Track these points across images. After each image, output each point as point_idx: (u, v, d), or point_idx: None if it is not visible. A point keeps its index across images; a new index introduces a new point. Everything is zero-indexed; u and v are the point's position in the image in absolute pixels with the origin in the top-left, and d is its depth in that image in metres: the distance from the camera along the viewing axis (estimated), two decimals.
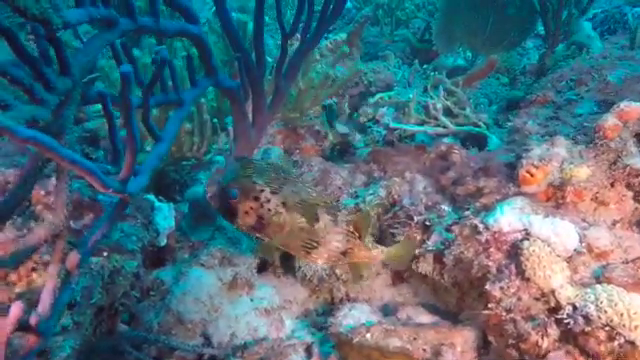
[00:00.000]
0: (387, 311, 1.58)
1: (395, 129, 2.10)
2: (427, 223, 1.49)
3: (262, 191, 1.18)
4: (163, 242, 1.46)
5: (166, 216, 1.45)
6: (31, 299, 0.78)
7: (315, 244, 1.23)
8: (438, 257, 1.48)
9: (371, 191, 1.62)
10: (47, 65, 0.80)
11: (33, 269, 0.89)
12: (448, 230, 1.46)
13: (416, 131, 2.08)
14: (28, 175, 0.80)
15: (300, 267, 1.61)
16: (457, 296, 1.50)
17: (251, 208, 1.17)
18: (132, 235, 1.25)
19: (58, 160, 0.68)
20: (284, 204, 1.17)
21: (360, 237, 1.25)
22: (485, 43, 2.65)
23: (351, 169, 1.74)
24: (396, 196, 1.60)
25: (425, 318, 1.51)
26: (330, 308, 1.62)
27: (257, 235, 1.21)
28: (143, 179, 0.91)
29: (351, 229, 1.24)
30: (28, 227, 0.96)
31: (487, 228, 1.31)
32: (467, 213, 1.41)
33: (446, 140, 1.94)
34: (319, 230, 1.22)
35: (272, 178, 1.19)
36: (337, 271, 1.61)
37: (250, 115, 1.48)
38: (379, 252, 1.30)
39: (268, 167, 1.20)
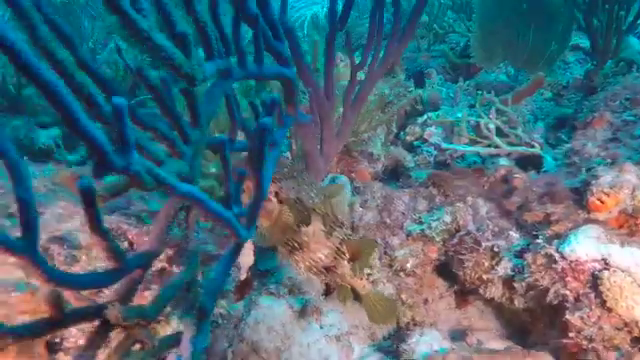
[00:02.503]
0: (455, 335, 1.60)
1: (447, 149, 2.12)
2: (495, 249, 1.51)
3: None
4: (243, 277, 1.50)
5: (246, 252, 1.48)
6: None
7: (297, 246, 1.26)
8: (508, 283, 1.50)
9: (435, 217, 1.64)
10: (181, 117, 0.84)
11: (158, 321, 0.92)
12: (518, 256, 1.48)
13: (468, 152, 2.10)
14: (164, 228, 0.84)
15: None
16: (527, 321, 1.52)
17: (248, 187, 1.23)
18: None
19: (204, 212, 0.72)
20: (277, 194, 1.23)
21: (351, 260, 1.27)
22: (526, 58, 2.66)
23: (412, 194, 1.76)
24: (461, 221, 1.62)
25: (495, 344, 1.52)
26: (396, 333, 1.65)
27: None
28: (253, 226, 0.95)
29: (343, 249, 1.26)
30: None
31: (563, 257, 1.32)
32: (539, 241, 1.43)
33: (503, 161, 1.95)
34: (305, 234, 1.25)
35: (280, 172, 1.26)
36: (403, 296, 1.64)
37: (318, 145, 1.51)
38: (363, 286, 1.31)
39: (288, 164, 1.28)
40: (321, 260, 1.27)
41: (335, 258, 1.27)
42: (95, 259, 0.92)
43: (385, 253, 1.63)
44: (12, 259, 0.83)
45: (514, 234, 1.53)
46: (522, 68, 2.68)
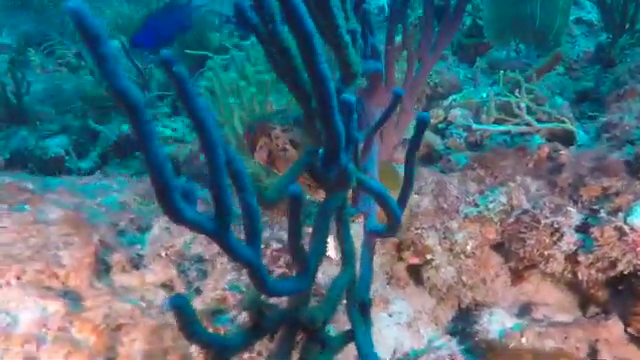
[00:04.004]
0: (518, 312, 1.65)
1: (477, 130, 2.15)
2: (555, 225, 1.56)
3: (274, 129, 1.35)
4: None
5: None
6: None
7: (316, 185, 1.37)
8: (571, 257, 1.54)
9: (491, 198, 1.67)
10: None
11: None
12: (579, 231, 1.53)
13: (499, 131, 2.13)
14: None
15: (429, 277, 1.67)
16: (588, 293, 1.57)
17: (265, 143, 1.35)
18: None
19: (386, 206, 0.71)
20: (292, 141, 1.34)
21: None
22: (535, 34, 2.71)
23: (459, 177, 1.78)
24: (515, 201, 1.66)
25: (560, 316, 1.58)
26: (459, 315, 1.68)
27: (274, 171, 1.40)
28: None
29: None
30: None
31: (633, 229, 1.37)
32: (602, 214, 1.48)
33: (537, 139, 1.99)
34: None
35: (289, 120, 1.38)
36: (463, 277, 1.68)
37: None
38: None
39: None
40: None
41: None
42: (223, 271, 0.91)
43: (444, 237, 1.66)
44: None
45: (572, 209, 1.57)
46: (532, 44, 2.72)
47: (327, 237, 0.71)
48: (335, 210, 0.73)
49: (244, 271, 0.92)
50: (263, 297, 0.68)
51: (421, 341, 1.63)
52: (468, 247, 1.66)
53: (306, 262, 0.64)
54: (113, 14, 3.01)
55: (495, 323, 1.53)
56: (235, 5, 0.60)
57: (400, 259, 1.66)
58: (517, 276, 1.78)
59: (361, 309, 0.75)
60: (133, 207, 1.07)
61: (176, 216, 0.49)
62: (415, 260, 1.64)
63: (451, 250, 1.66)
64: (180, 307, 0.53)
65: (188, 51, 2.55)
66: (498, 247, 1.71)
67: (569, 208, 1.57)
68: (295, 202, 0.57)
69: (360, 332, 0.72)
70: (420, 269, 1.67)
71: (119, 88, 0.41)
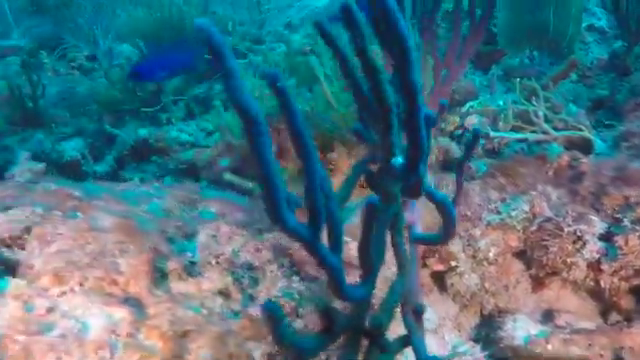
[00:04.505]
0: (540, 319, 1.67)
1: (494, 137, 2.17)
2: (578, 234, 1.58)
3: (282, 124, 1.39)
4: None
5: None
6: None
7: (330, 171, 1.52)
8: (593, 265, 1.57)
9: (513, 206, 1.69)
10: None
11: None
12: (602, 239, 1.55)
13: (516, 138, 2.16)
14: None
15: (453, 284, 1.69)
16: (610, 300, 1.60)
17: (274, 138, 1.53)
18: None
19: (449, 217, 0.73)
20: None
21: None
22: (549, 41, 2.73)
23: (481, 185, 1.80)
24: (537, 209, 1.68)
25: (583, 323, 1.60)
26: (482, 321, 1.70)
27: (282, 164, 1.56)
28: None
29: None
30: None
31: None
32: (626, 223, 1.50)
33: (556, 147, 2.01)
34: (331, 159, 1.52)
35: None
36: (486, 284, 1.69)
37: None
38: None
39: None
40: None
41: None
42: (273, 278, 0.92)
43: (468, 244, 1.68)
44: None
45: (594, 218, 1.59)
46: (546, 51, 2.75)
47: (386, 245, 0.72)
48: (392, 218, 0.75)
49: (294, 278, 0.94)
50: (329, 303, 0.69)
51: (446, 347, 1.65)
52: (491, 254, 1.68)
53: (372, 269, 0.66)
54: (127, 17, 3.02)
55: (519, 329, 1.55)
56: (316, 24, 0.62)
57: (425, 265, 1.68)
58: (538, 283, 1.80)
59: (415, 315, 0.77)
60: (176, 213, 1.09)
61: (282, 224, 0.50)
62: (439, 267, 1.66)
63: (474, 257, 1.68)
64: (271, 311, 0.55)
65: (206, 56, 2.56)
66: (520, 254, 1.73)
67: (591, 216, 1.59)
68: (371, 212, 0.59)
69: (416, 337, 0.74)
70: (444, 276, 1.69)
71: (241, 102, 0.43)
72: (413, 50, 0.54)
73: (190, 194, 1.22)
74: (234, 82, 0.41)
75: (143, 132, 2.64)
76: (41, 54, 3.37)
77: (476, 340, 1.66)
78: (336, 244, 0.57)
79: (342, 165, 1.72)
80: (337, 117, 1.86)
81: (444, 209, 0.71)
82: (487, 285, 1.70)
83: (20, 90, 2.73)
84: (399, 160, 0.62)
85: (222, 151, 2.23)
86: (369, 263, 0.64)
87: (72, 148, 2.78)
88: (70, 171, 2.61)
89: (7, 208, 0.90)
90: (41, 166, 1.10)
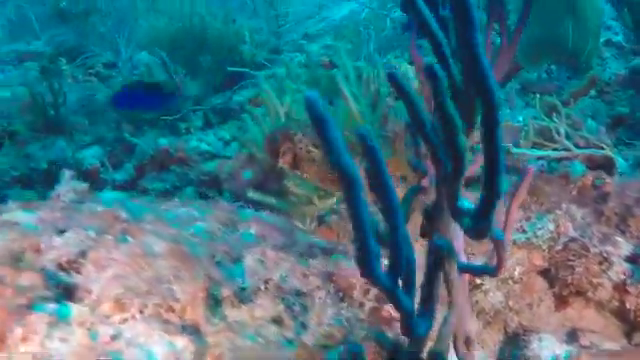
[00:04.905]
0: (564, 338, 1.68)
1: (515, 154, 2.19)
2: (604, 255, 1.59)
3: (295, 134, 1.56)
4: None
5: None
6: None
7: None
8: (619, 286, 1.58)
9: (539, 225, 1.70)
10: None
11: None
12: (628, 261, 1.57)
13: (537, 156, 2.17)
14: None
15: (477, 301, 1.70)
16: (637, 321, 1.61)
17: (288, 148, 1.56)
18: None
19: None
20: (314, 144, 1.53)
21: None
22: (568, 56, 2.75)
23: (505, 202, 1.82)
24: (562, 228, 1.69)
25: (607, 344, 1.61)
26: (505, 339, 1.72)
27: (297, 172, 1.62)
28: None
29: None
30: None
31: None
32: None
33: (578, 165, 2.02)
34: None
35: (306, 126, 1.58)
36: (510, 302, 1.71)
37: None
38: None
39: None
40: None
41: None
42: (322, 305, 0.94)
43: None
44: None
45: (620, 239, 1.60)
46: (564, 66, 2.77)
47: (440, 284, 0.74)
48: (446, 253, 0.76)
49: (342, 305, 0.96)
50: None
51: None
52: (516, 273, 1.69)
53: (434, 305, 0.68)
54: (148, 27, 3.06)
55: (545, 349, 1.56)
56: (389, 76, 0.64)
57: None
58: (561, 301, 1.81)
59: (467, 344, 0.79)
60: (219, 235, 1.11)
61: (372, 279, 0.52)
62: None
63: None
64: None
65: (230, 68, 2.59)
66: (543, 273, 1.74)
67: (617, 238, 1.61)
68: (438, 254, 0.60)
69: None
70: (469, 293, 1.70)
71: (341, 164, 0.46)
72: (500, 121, 0.56)
73: (229, 214, 1.24)
74: (334, 146, 0.44)
75: (163, 142, 2.66)
76: (60, 61, 3.41)
77: (500, 358, 1.67)
78: (409, 287, 0.59)
79: None
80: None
81: (500, 244, 0.73)
82: (511, 303, 1.71)
83: (43, 98, 2.76)
84: (466, 204, 0.63)
85: (244, 163, 2.25)
86: (432, 300, 0.66)
87: (92, 156, 2.81)
88: (89, 179, 2.64)
89: (61, 231, 0.91)
90: (85, 186, 1.12)
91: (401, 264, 0.55)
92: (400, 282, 0.60)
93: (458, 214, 0.68)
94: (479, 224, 0.65)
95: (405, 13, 0.82)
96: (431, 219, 0.74)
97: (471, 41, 0.54)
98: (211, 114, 2.96)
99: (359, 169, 0.48)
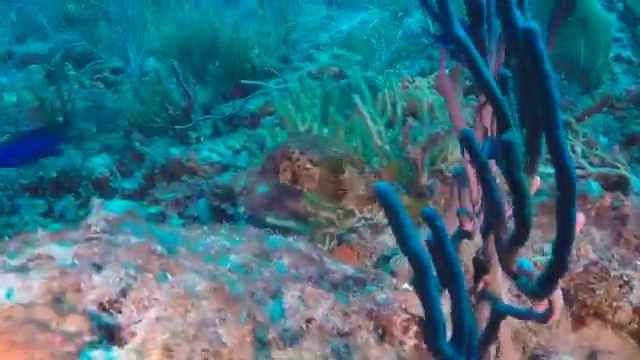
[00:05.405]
0: (580, 358, 1.69)
1: None
2: (625, 278, 1.60)
3: (293, 152, 1.61)
4: None
5: None
6: None
7: (342, 191, 1.59)
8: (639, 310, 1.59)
9: None
10: None
11: None
12: None
13: (550, 173, 2.17)
14: None
15: None
16: None
17: (287, 166, 1.63)
18: None
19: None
20: (311, 160, 1.56)
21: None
22: (579, 72, 2.76)
23: None
24: (582, 250, 1.70)
25: None
26: (524, 359, 1.72)
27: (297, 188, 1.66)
28: None
29: (376, 179, 1.59)
30: None
31: None
32: None
33: (594, 184, 2.03)
34: (344, 180, 1.60)
35: (305, 143, 1.61)
36: (529, 323, 1.72)
37: None
38: None
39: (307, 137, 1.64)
40: (363, 193, 1.60)
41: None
42: (365, 345, 0.94)
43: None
44: None
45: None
46: (575, 81, 2.77)
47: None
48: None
49: (385, 346, 0.95)
50: None
51: None
52: None
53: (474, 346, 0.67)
54: (158, 33, 3.03)
55: None
56: (464, 138, 0.63)
57: None
58: (579, 322, 1.82)
59: None
60: (255, 269, 1.10)
61: (438, 353, 0.52)
62: None
63: (519, 297, 1.70)
64: None
65: (244, 81, 2.58)
66: (563, 294, 1.74)
67: (638, 262, 1.61)
68: (498, 320, 0.60)
69: None
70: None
71: (412, 250, 0.46)
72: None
73: (259, 243, 1.23)
74: (405, 233, 0.45)
75: (175, 152, 2.65)
76: (66, 65, 3.38)
77: None
78: (472, 356, 0.59)
79: (353, 184, 1.73)
80: (380, 152, 1.87)
81: (557, 298, 0.73)
82: (530, 324, 1.72)
83: (52, 105, 2.73)
84: (525, 264, 0.63)
85: (259, 177, 2.24)
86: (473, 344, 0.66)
87: (101, 164, 2.79)
88: (98, 187, 2.62)
89: (99, 268, 0.90)
90: (116, 215, 1.11)
91: (464, 335, 0.55)
92: (463, 350, 0.60)
93: (515, 274, 0.68)
94: (543, 291, 0.65)
95: (438, 22, 0.80)
96: (481, 269, 0.73)
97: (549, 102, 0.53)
98: (220, 122, 2.95)
99: (426, 249, 0.49)
